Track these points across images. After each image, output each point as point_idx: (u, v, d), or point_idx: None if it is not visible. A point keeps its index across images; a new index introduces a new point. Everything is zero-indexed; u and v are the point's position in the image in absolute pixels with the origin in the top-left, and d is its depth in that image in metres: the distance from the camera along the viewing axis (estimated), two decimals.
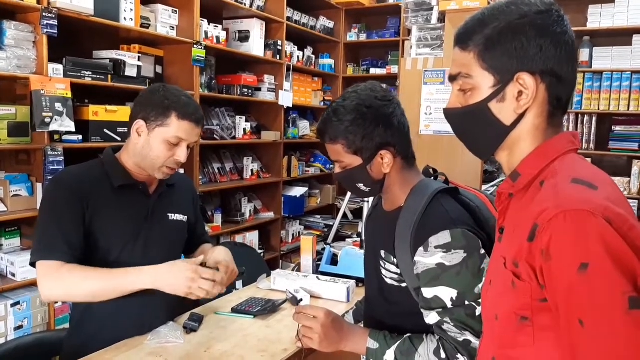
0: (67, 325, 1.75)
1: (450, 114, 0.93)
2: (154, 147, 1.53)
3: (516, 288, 0.79)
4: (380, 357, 1.23)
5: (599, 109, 4.00)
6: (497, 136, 0.87)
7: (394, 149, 1.25)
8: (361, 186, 1.30)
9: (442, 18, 2.77)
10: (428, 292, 1.18)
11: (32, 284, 2.45)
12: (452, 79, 0.90)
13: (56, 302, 2.49)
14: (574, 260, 0.70)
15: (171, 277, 1.46)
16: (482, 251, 1.17)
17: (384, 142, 1.24)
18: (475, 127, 0.89)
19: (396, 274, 1.27)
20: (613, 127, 4.04)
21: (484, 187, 2.70)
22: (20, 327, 2.37)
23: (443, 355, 1.16)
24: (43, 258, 1.45)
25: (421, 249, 1.18)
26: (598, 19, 3.96)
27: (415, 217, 1.20)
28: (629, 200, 3.95)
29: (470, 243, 1.16)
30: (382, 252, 1.30)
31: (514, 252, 0.80)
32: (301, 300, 1.85)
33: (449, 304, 1.15)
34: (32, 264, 1.49)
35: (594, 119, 4.05)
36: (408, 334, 1.24)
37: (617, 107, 3.93)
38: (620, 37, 3.97)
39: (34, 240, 1.50)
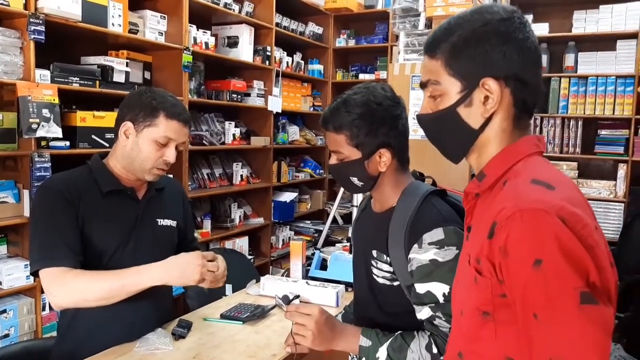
0: (54, 334, 1.73)
1: (422, 120, 0.96)
2: (143, 148, 1.53)
3: (478, 284, 0.82)
4: (372, 354, 1.24)
5: (584, 114, 4.04)
6: (466, 139, 0.91)
7: (393, 149, 1.28)
8: (355, 180, 1.31)
9: (429, 24, 2.80)
10: (421, 288, 1.20)
11: (19, 292, 2.43)
12: (423, 85, 0.95)
13: (42, 310, 2.47)
14: (529, 256, 0.73)
15: (180, 268, 1.46)
16: None
17: (386, 141, 1.27)
18: (446, 131, 0.93)
19: (388, 272, 1.28)
20: (599, 131, 4.09)
21: None
22: (6, 335, 2.35)
23: (435, 350, 1.18)
24: (47, 265, 1.44)
25: (415, 245, 1.21)
26: (583, 24, 4.02)
27: (409, 215, 1.23)
28: (616, 204, 4.00)
29: (461, 240, 1.18)
30: (374, 252, 1.31)
31: (476, 249, 0.83)
32: (294, 298, 1.84)
33: (441, 299, 1.18)
34: (33, 273, 1.47)
35: (580, 123, 4.10)
36: (399, 331, 1.25)
37: (603, 112, 3.98)
38: (604, 42, 4.03)
39: (31, 248, 1.48)
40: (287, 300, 1.82)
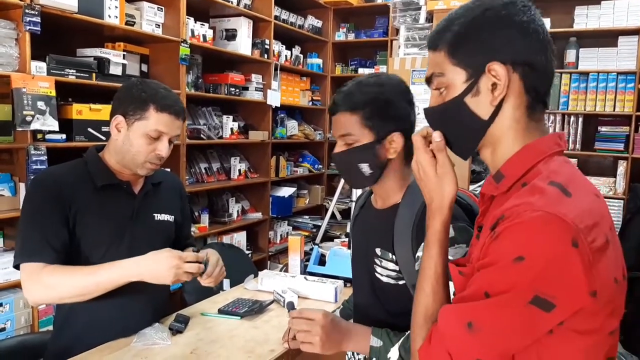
0: (51, 328, 1.72)
1: (429, 113, 0.93)
2: (134, 142, 1.50)
3: (465, 277, 0.85)
4: (384, 355, 1.20)
5: (585, 110, 4.03)
6: (476, 132, 0.87)
7: (405, 135, 1.25)
8: (364, 167, 1.25)
9: (429, 18, 2.78)
10: None
11: (15, 286, 2.41)
12: (428, 81, 0.91)
13: (40, 305, 2.45)
14: (516, 249, 0.72)
15: (155, 266, 1.43)
16: None
17: (400, 125, 1.24)
18: (453, 123, 0.89)
19: (394, 271, 1.25)
20: (599, 128, 4.07)
21: (471, 188, 2.71)
22: (2, 329, 2.33)
23: None
24: (25, 260, 1.43)
25: (423, 244, 1.17)
26: (584, 20, 4.00)
27: (415, 212, 1.20)
28: (615, 201, 3.98)
29: (471, 237, 1.16)
30: (378, 250, 1.28)
31: (480, 245, 0.82)
32: (293, 306, 1.79)
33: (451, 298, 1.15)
34: (16, 267, 1.46)
35: (580, 119, 4.08)
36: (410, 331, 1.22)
37: (603, 108, 3.96)
38: (606, 38, 4.01)
39: (16, 242, 1.47)
40: (291, 306, 1.76)
